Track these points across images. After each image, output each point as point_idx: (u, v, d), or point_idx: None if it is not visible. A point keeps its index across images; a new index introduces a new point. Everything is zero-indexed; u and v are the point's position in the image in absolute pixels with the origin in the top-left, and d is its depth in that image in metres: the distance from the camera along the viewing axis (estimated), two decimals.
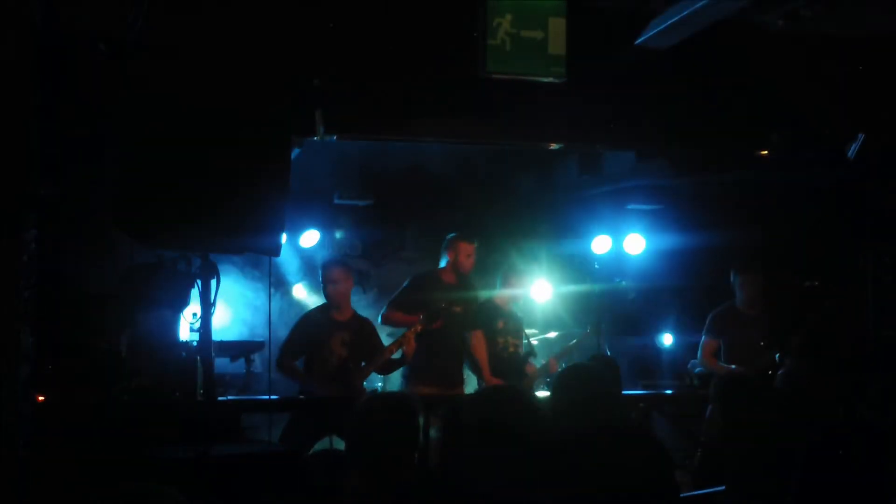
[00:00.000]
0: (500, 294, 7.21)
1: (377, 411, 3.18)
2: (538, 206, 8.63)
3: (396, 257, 8.68)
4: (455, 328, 6.72)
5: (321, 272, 6.65)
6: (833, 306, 6.88)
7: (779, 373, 6.55)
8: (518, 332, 7.18)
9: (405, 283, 6.83)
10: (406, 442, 3.10)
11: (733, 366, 6.78)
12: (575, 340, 7.55)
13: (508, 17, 5.42)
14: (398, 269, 8.39)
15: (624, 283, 8.07)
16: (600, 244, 8.59)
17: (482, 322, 7.03)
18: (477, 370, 6.90)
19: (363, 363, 6.50)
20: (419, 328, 6.40)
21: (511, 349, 7.11)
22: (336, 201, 8.20)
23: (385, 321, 6.79)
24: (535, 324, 8.23)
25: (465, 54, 5.49)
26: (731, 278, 7.04)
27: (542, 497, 2.64)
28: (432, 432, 5.00)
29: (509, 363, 7.06)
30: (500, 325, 7.10)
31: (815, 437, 2.76)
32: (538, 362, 7.28)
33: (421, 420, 3.17)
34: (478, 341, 6.89)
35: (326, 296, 6.59)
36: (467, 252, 6.78)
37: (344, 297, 6.55)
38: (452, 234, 6.91)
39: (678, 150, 6.78)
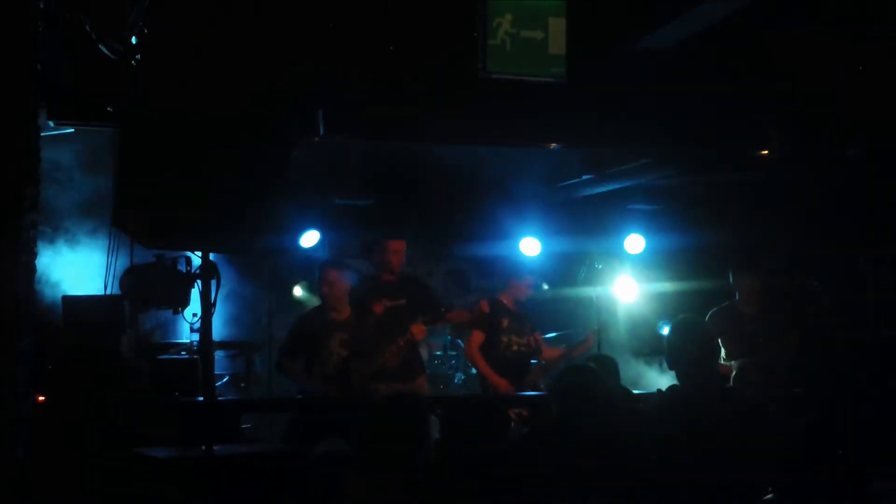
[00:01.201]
0: (505, 293, 7.22)
1: (390, 411, 3.17)
2: (538, 206, 8.62)
3: None
4: (401, 322, 6.68)
5: (318, 273, 6.66)
6: (832, 306, 6.89)
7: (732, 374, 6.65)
8: (521, 331, 7.17)
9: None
10: (416, 443, 3.09)
11: (732, 362, 6.80)
12: (583, 338, 7.55)
13: (508, 17, 5.42)
14: None
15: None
16: (601, 244, 8.59)
17: (486, 322, 7.04)
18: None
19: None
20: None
21: (514, 348, 7.11)
22: (336, 201, 8.21)
23: None
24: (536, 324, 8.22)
25: (465, 54, 5.48)
26: (730, 278, 7.04)
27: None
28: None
29: (513, 362, 7.06)
30: (504, 324, 7.11)
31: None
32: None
33: (432, 420, 3.17)
34: (417, 331, 6.77)
35: (322, 296, 6.60)
36: (394, 248, 6.79)
37: (339, 297, 6.55)
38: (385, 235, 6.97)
39: (678, 150, 6.77)
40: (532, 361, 7.34)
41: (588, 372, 4.01)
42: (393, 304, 6.66)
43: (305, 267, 8.36)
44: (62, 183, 6.17)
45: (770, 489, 3.27)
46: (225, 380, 7.09)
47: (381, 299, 6.65)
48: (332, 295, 6.54)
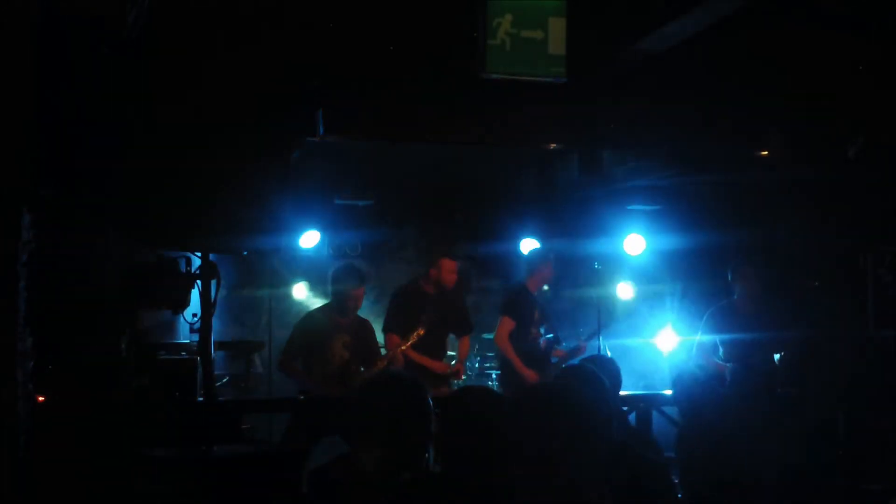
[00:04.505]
0: (532, 280, 7.17)
1: (390, 385, 3.09)
2: (538, 206, 8.63)
3: (396, 257, 8.67)
4: (436, 333, 6.80)
5: (340, 284, 6.57)
6: (832, 306, 6.89)
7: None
8: (548, 324, 7.15)
9: (391, 302, 6.93)
10: (419, 420, 3.00)
11: (729, 363, 6.79)
12: (576, 345, 7.52)
13: (508, 17, 5.42)
14: (398, 269, 8.39)
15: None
16: (601, 244, 8.59)
17: (519, 311, 7.04)
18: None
19: (362, 368, 6.51)
20: (409, 344, 6.54)
21: (542, 341, 7.10)
22: (336, 201, 8.21)
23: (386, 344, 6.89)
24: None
25: (465, 54, 5.49)
26: (729, 276, 7.03)
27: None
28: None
29: (540, 356, 7.03)
30: (535, 315, 7.07)
31: None
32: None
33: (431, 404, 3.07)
34: (463, 346, 7.10)
35: (342, 306, 6.55)
36: (449, 268, 6.82)
37: (356, 309, 6.60)
38: (441, 251, 6.97)
39: (678, 150, 6.78)
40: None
41: (587, 374, 4.00)
42: (432, 319, 6.72)
43: (305, 267, 8.37)
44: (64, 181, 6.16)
45: None
46: (225, 380, 7.09)
47: (426, 311, 6.71)
48: (354, 308, 6.56)
